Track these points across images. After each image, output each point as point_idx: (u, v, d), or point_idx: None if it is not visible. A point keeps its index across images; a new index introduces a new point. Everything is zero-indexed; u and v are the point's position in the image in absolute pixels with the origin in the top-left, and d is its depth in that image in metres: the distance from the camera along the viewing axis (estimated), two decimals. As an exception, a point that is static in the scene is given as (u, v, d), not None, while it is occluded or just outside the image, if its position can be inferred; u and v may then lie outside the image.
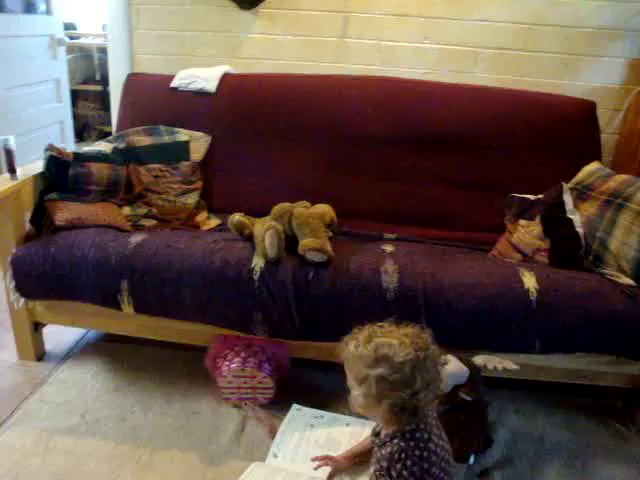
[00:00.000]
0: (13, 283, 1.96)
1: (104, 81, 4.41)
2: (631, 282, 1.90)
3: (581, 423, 1.98)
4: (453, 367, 1.67)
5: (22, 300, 2.01)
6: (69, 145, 3.59)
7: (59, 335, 2.28)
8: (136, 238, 1.97)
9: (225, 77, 2.55)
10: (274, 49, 2.69)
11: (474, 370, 1.71)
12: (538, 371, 1.90)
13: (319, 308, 1.84)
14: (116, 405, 1.96)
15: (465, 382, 1.68)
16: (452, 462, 1.46)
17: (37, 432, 1.83)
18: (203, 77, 2.50)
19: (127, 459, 1.74)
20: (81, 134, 4.40)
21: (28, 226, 2.05)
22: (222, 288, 1.86)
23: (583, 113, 2.39)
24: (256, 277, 1.85)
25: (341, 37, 2.64)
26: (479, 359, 1.76)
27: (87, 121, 4.37)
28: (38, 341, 2.18)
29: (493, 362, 1.76)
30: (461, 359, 1.71)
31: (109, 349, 2.24)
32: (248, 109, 2.49)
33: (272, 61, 2.70)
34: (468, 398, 1.66)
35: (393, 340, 1.36)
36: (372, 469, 1.46)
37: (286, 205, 2.04)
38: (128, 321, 2.02)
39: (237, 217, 2.02)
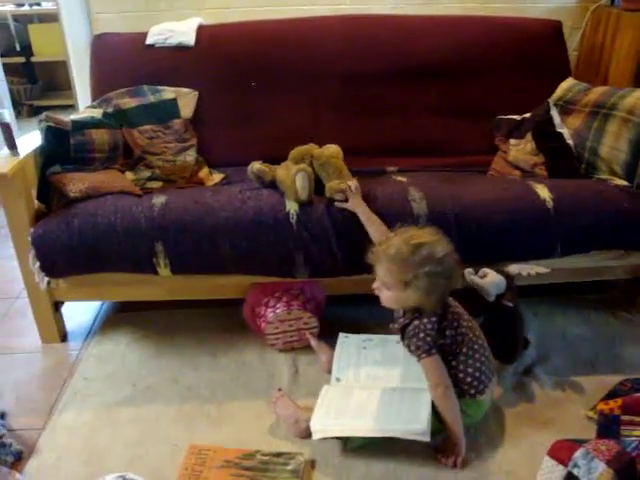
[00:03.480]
0: (38, 263, 1.87)
1: (25, 51, 4.12)
2: (625, 183, 2.09)
3: (593, 317, 2.18)
4: (493, 278, 1.79)
5: (46, 280, 1.93)
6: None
7: (73, 313, 2.21)
8: (159, 199, 1.93)
9: (200, 29, 2.48)
10: (240, -3, 2.63)
11: (509, 279, 1.85)
12: (557, 273, 2.06)
13: (358, 241, 1.86)
14: (163, 369, 1.95)
15: (504, 291, 1.82)
16: (487, 355, 1.65)
17: (94, 408, 1.79)
18: (179, 31, 2.42)
19: (196, 417, 1.75)
20: (8, 112, 4.08)
21: (37, 203, 1.95)
22: (260, 236, 1.87)
23: (551, 32, 2.55)
24: (293, 220, 1.87)
25: (308, -21, 2.63)
26: (513, 268, 1.89)
27: (14, 97, 4.07)
28: (60, 321, 2.10)
29: (526, 269, 1.91)
30: (497, 270, 1.84)
31: (132, 319, 2.20)
32: (231, 59, 2.45)
33: (241, 9, 2.64)
34: (510, 304, 1.79)
35: (428, 238, 1.53)
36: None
37: (303, 148, 2.05)
38: (158, 285, 2.00)
39: (257, 165, 2.01)
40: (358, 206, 1.86)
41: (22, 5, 4.08)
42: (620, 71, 2.54)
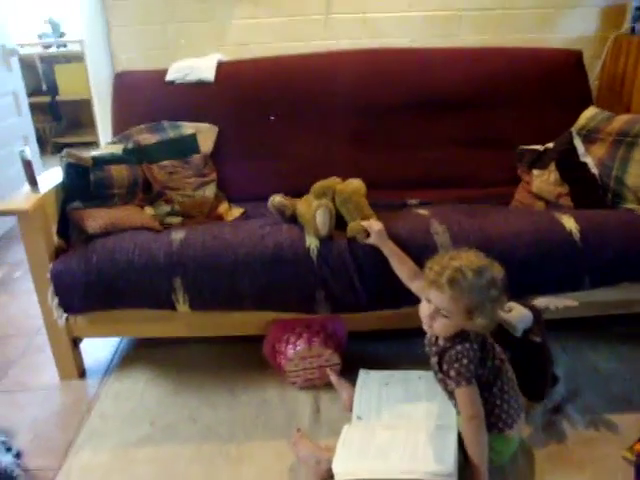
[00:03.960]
0: (56, 299, 1.87)
1: (51, 91, 4.22)
2: (654, 212, 2.04)
3: (624, 351, 2.09)
4: (519, 312, 1.73)
5: (64, 316, 1.92)
6: (36, 161, 3.39)
7: (91, 350, 2.19)
8: (177, 235, 1.92)
9: (220, 65, 2.51)
10: (260, 32, 2.66)
11: (537, 313, 1.80)
12: (586, 307, 1.99)
13: (381, 277, 1.85)
14: (182, 407, 1.91)
15: (532, 325, 1.76)
16: (516, 389, 1.60)
17: (111, 448, 1.76)
18: (199, 67, 2.45)
19: (215, 457, 1.71)
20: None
21: (56, 239, 1.95)
22: (280, 271, 1.85)
23: (572, 62, 2.52)
24: (314, 255, 1.84)
25: (326, 14, 2.65)
26: (540, 302, 1.84)
27: (40, 135, 4.15)
28: (78, 357, 2.09)
29: (554, 302, 1.85)
30: (523, 304, 1.78)
31: (151, 355, 2.17)
32: (250, 94, 2.47)
33: (259, 45, 2.67)
34: (538, 339, 1.73)
35: (484, 261, 1.49)
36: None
37: (325, 182, 2.03)
38: (177, 322, 1.98)
39: (277, 198, 2.00)
40: (383, 243, 1.81)
41: (49, 47, 4.20)
42: (644, 100, 2.50)
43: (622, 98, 2.60)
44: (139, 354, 2.20)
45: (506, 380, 1.57)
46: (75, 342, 2.05)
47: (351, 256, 1.85)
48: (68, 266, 1.86)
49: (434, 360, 1.59)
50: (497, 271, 1.48)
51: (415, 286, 1.73)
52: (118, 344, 2.26)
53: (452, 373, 1.49)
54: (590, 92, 2.54)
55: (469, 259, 1.48)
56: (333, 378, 1.92)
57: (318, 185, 2.03)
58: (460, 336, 1.51)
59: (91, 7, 2.57)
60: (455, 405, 1.57)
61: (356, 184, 2.05)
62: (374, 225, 1.84)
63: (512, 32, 2.69)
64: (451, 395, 1.57)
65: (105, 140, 2.66)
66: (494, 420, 1.54)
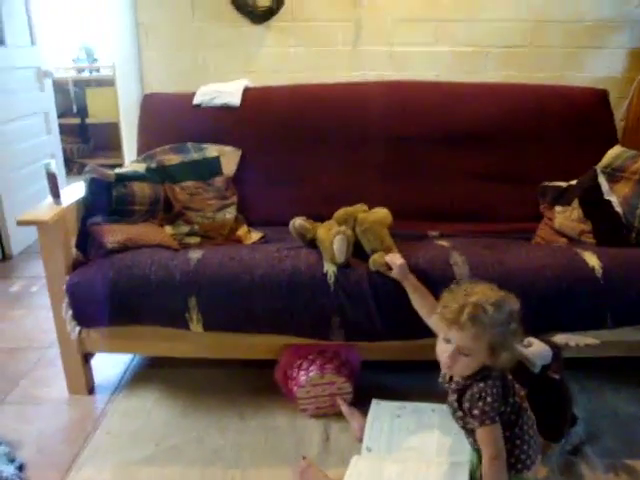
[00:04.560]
0: (70, 312, 1.87)
1: (81, 113, 4.32)
2: (679, 252, 1.99)
3: (647, 395, 2.04)
4: (538, 348, 1.69)
5: (77, 329, 1.91)
6: (60, 178, 3.45)
7: (102, 367, 2.18)
8: (195, 254, 1.92)
9: (247, 90, 2.54)
10: (288, 61, 2.71)
11: (556, 349, 1.75)
12: (608, 347, 1.94)
13: (398, 306, 1.82)
14: (189, 429, 1.88)
15: (551, 362, 1.71)
16: (535, 429, 1.54)
17: (114, 466, 1.73)
18: (226, 92, 2.49)
19: (220, 481, 1.67)
20: (63, 168, 4.24)
21: (74, 252, 1.96)
22: (296, 295, 1.83)
23: (598, 100, 2.51)
24: (331, 281, 1.82)
25: (353, 46, 2.70)
26: (560, 338, 1.79)
27: (67, 155, 4.23)
28: (89, 373, 2.07)
29: (574, 340, 1.80)
30: (542, 340, 1.74)
31: (161, 375, 2.15)
32: (275, 120, 2.50)
33: (287, 73, 2.72)
34: (557, 377, 1.68)
35: (500, 293, 1.46)
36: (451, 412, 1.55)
37: (349, 209, 2.02)
38: (190, 342, 1.96)
39: (299, 221, 1.99)
40: (404, 278, 1.78)
41: (82, 71, 4.32)
42: (670, 141, 2.48)
43: (648, 139, 2.59)
44: (149, 373, 2.18)
45: (526, 419, 1.52)
46: (86, 357, 2.04)
47: (369, 284, 1.83)
48: (85, 279, 1.86)
49: (452, 398, 1.54)
50: (513, 303, 1.45)
51: (433, 321, 1.67)
52: (129, 362, 2.25)
53: (475, 412, 1.43)
54: (615, 131, 2.53)
55: (485, 293, 1.44)
56: (344, 408, 1.88)
57: (341, 211, 2.01)
58: (481, 373, 1.46)
59: (124, 32, 2.64)
60: (472, 443, 1.52)
61: (381, 214, 2.03)
62: (396, 260, 1.81)
63: (538, 70, 2.70)
64: (470, 433, 1.52)
65: (130, 160, 2.69)
66: (513, 461, 1.48)
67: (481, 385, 1.44)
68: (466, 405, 1.47)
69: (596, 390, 2.05)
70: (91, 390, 2.08)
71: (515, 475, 1.48)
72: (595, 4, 2.62)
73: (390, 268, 1.82)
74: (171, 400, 2.02)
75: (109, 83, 4.13)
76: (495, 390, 1.43)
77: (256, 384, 2.07)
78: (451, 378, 1.54)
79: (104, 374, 2.16)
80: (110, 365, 2.21)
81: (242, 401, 2.00)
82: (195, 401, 2.01)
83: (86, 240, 1.98)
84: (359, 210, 2.03)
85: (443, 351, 1.47)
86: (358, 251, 1.91)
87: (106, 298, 1.83)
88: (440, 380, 1.59)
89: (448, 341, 1.45)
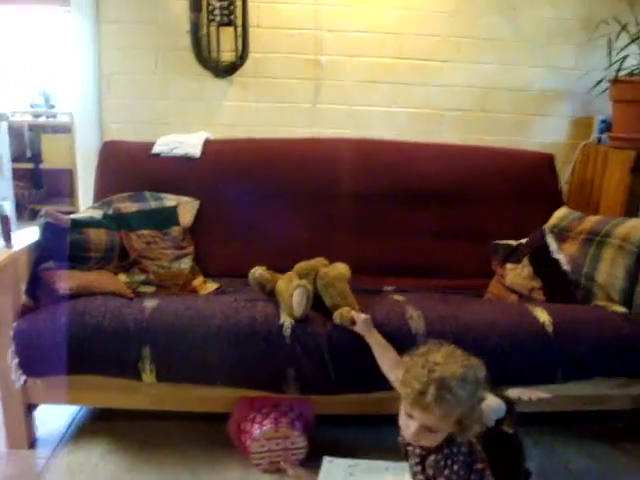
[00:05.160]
0: (16, 360, 1.79)
1: (35, 158, 4.25)
2: (623, 309, 2.07)
3: (597, 449, 2.06)
4: (492, 402, 1.70)
5: (23, 379, 1.83)
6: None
7: (45, 418, 2.07)
8: (150, 303, 1.88)
9: (207, 142, 2.58)
10: (249, 115, 2.76)
11: (509, 403, 1.77)
12: (559, 401, 1.97)
13: (353, 360, 1.82)
14: (137, 485, 1.81)
15: (504, 416, 1.73)
16: None
17: (56, 525, 1.64)
18: (187, 142, 2.51)
19: (168, 541, 1.60)
20: (12, 213, 4.14)
21: (24, 297, 1.90)
22: (252, 347, 1.81)
23: (545, 164, 2.66)
24: (287, 333, 1.81)
25: (313, 103, 2.76)
26: (513, 392, 1.82)
27: (18, 200, 4.13)
28: (31, 425, 1.97)
29: (527, 394, 1.83)
30: (496, 394, 1.76)
31: (109, 428, 2.06)
32: (234, 172, 2.52)
33: (247, 127, 2.76)
34: (510, 431, 1.70)
35: (462, 362, 1.39)
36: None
37: (310, 263, 2.03)
38: (141, 393, 1.89)
39: (259, 271, 1.99)
40: (368, 333, 1.78)
41: (39, 116, 4.29)
42: (610, 204, 2.61)
43: (591, 200, 2.71)
44: (96, 426, 2.09)
45: None
46: (30, 408, 1.95)
47: (325, 337, 1.83)
48: (34, 326, 1.80)
49: (414, 461, 1.49)
50: (479, 369, 1.39)
51: (394, 377, 1.63)
52: (75, 414, 2.15)
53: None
54: (561, 193, 2.67)
55: (448, 366, 1.36)
56: (290, 471, 1.83)
57: (303, 264, 2.03)
58: (445, 440, 1.40)
59: (86, 80, 2.64)
60: None
61: (340, 269, 2.05)
62: (361, 315, 1.82)
63: (490, 133, 2.83)
64: None
65: (86, 207, 2.65)
66: None
67: (446, 451, 1.40)
68: (429, 472, 1.42)
69: (548, 444, 2.08)
70: (32, 444, 1.97)
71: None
72: (540, 76, 2.80)
73: (354, 322, 1.83)
74: (119, 454, 1.94)
75: (65, 129, 4.12)
76: (462, 457, 1.39)
77: (209, 437, 2.01)
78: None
79: (48, 426, 2.06)
80: (54, 417, 2.11)
81: (194, 455, 1.94)
82: (145, 455, 1.94)
83: (37, 286, 1.92)
84: (320, 264, 2.04)
85: (407, 426, 1.41)
86: (316, 304, 1.91)
87: (56, 346, 1.76)
88: (400, 439, 1.56)
89: (411, 416, 1.38)
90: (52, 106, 4.32)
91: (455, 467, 1.38)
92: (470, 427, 1.37)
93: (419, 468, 1.47)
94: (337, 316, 1.86)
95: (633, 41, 2.50)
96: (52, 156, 4.25)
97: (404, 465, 1.71)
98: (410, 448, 1.52)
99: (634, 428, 2.14)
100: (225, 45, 2.68)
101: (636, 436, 2.12)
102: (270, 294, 1.97)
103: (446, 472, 1.38)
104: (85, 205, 2.72)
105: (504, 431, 1.69)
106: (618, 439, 2.12)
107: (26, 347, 1.80)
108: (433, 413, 1.32)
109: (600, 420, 2.18)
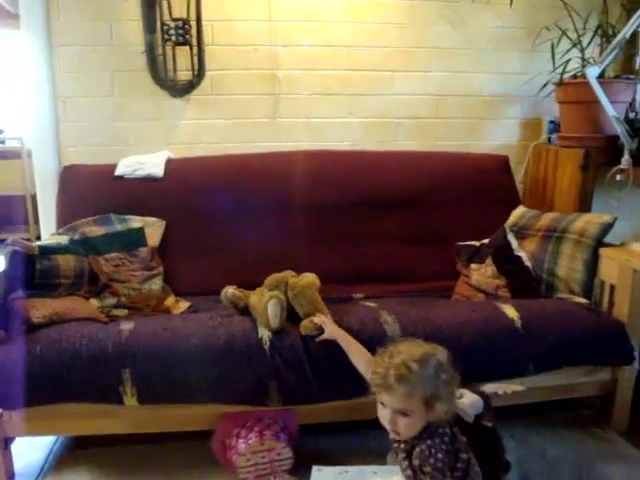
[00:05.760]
0: (-9, 394, 1.75)
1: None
2: (584, 300, 2.18)
3: (568, 435, 2.15)
4: (470, 398, 1.76)
5: (-1, 412, 1.79)
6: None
7: (21, 452, 2.01)
8: (126, 325, 1.88)
9: (169, 162, 2.58)
10: (208, 133, 2.76)
11: (486, 398, 1.84)
12: (532, 392, 2.03)
13: (333, 367, 1.86)
14: (124, 512, 1.79)
15: (482, 411, 1.79)
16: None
17: None
18: (149, 163, 2.50)
19: None
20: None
21: (-6, 330, 1.86)
22: (232, 362, 1.83)
23: (500, 166, 2.76)
24: (266, 346, 1.84)
25: (271, 118, 2.79)
26: (488, 388, 1.88)
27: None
28: (8, 460, 1.92)
29: (502, 388, 1.90)
30: (473, 390, 1.82)
31: (90, 457, 2.02)
32: (198, 190, 2.53)
33: (207, 144, 2.76)
34: (489, 425, 1.76)
35: (424, 348, 1.50)
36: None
37: (279, 275, 2.05)
38: (122, 417, 1.88)
39: (231, 290, 2.00)
40: (337, 336, 1.83)
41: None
42: (564, 201, 2.72)
43: (545, 198, 2.83)
44: (76, 456, 2.04)
45: (473, 475, 1.53)
46: (6, 442, 1.90)
47: (303, 346, 1.86)
48: (7, 357, 1.76)
49: (401, 456, 1.53)
50: (441, 353, 1.49)
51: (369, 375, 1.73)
52: (52, 444, 2.11)
53: (427, 469, 1.44)
54: (517, 193, 2.78)
55: (409, 352, 1.47)
56: None
57: (272, 278, 2.05)
58: (427, 431, 1.47)
59: (41, 104, 2.60)
60: None
61: (310, 278, 2.08)
62: (326, 320, 1.87)
63: (445, 139, 2.92)
64: None
65: (47, 235, 2.60)
66: None
67: (429, 442, 1.45)
68: (416, 463, 1.47)
69: (523, 435, 2.15)
70: (11, 478, 1.93)
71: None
72: (489, 81, 2.91)
73: (321, 331, 1.86)
74: (102, 481, 1.92)
75: (15, 155, 4.04)
76: (444, 446, 1.45)
77: (193, 457, 2.00)
78: (399, 441, 1.55)
79: (25, 459, 2.01)
80: (31, 449, 2.06)
81: (179, 475, 1.92)
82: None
83: (7, 316, 1.88)
84: (289, 275, 2.07)
85: (382, 416, 1.49)
86: (291, 315, 1.94)
87: (33, 376, 1.73)
88: (391, 438, 1.59)
89: (384, 405, 1.47)
90: (0, 131, 4.22)
91: (439, 455, 1.44)
92: (436, 409, 1.44)
93: (406, 463, 1.52)
94: (302, 328, 1.90)
95: (574, 45, 2.63)
96: (2, 183, 4.16)
97: (392, 468, 1.76)
98: (396, 445, 1.56)
99: (602, 413, 2.24)
100: (181, 64, 2.69)
101: (604, 421, 2.22)
102: (244, 312, 1.99)
103: (431, 461, 1.43)
104: (47, 231, 2.67)
105: (484, 426, 1.75)
106: (588, 425, 2.21)
107: (1, 379, 1.76)
108: (397, 393, 1.42)
109: (570, 408, 2.29)
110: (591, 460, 2.01)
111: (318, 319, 1.88)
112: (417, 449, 1.47)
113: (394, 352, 1.48)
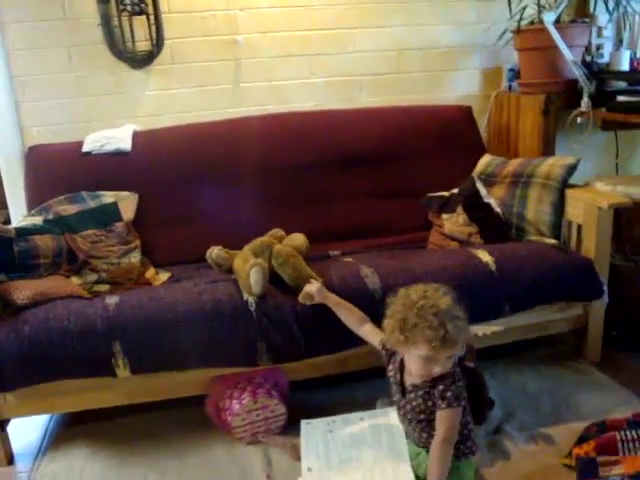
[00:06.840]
0: (-16, 377, 1.76)
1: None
2: (554, 241, 2.27)
3: (545, 370, 2.26)
4: (452, 342, 1.85)
5: (-8, 395, 1.80)
6: None
7: (18, 433, 2.05)
8: (112, 299, 1.89)
9: (135, 135, 2.56)
10: (172, 103, 2.73)
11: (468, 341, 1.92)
12: (509, 332, 2.13)
13: (319, 324, 1.91)
14: (127, 479, 1.83)
15: (465, 353, 1.87)
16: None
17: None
18: (116, 137, 2.48)
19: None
20: None
21: (-22, 315, 1.86)
22: (221, 326, 1.86)
23: (464, 116, 2.81)
24: (253, 308, 1.87)
25: (234, 83, 2.78)
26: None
27: None
28: (6, 442, 1.95)
29: (482, 329, 1.99)
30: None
31: (87, 431, 2.06)
32: (167, 161, 2.53)
33: (172, 115, 2.73)
34: (472, 365, 1.84)
35: (445, 296, 1.56)
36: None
37: (265, 240, 2.08)
38: (116, 389, 1.91)
39: (216, 251, 2.03)
40: (326, 299, 1.88)
41: None
42: (527, 146, 2.80)
43: (509, 145, 2.90)
44: (72, 431, 2.07)
45: (469, 410, 1.64)
46: (2, 425, 1.92)
47: (289, 305, 1.91)
48: (-3, 340, 1.77)
49: (417, 394, 1.59)
50: (448, 291, 1.58)
51: (363, 331, 1.82)
52: (47, 423, 2.13)
53: (449, 394, 1.53)
54: (482, 142, 2.84)
55: (440, 300, 1.52)
56: (272, 442, 1.93)
57: (256, 242, 2.06)
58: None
59: (-3, 86, 2.54)
60: (418, 439, 1.62)
61: (295, 242, 2.13)
62: (313, 287, 1.89)
63: (407, 93, 2.94)
64: (424, 426, 1.59)
65: (17, 217, 2.57)
66: (470, 444, 1.60)
67: (452, 371, 1.56)
68: (440, 387, 1.54)
69: (503, 374, 2.25)
70: (10, 460, 1.95)
71: (465, 460, 1.59)
72: (446, 32, 2.94)
73: (312, 297, 1.90)
74: (104, 453, 1.95)
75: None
76: (456, 377, 1.57)
77: (189, 422, 2.05)
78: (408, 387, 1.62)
79: (23, 440, 2.04)
80: (27, 429, 2.09)
81: (178, 441, 1.98)
82: (129, 450, 1.96)
83: (-11, 300, 1.88)
84: (273, 237, 2.10)
85: (417, 369, 1.54)
86: (275, 279, 1.97)
87: (23, 356, 1.74)
88: (392, 381, 1.69)
89: (429, 359, 1.50)
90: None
91: (460, 383, 1.57)
92: (461, 347, 1.55)
93: (421, 399, 1.57)
94: (300, 299, 1.92)
95: (530, -9, 2.67)
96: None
97: (377, 412, 1.86)
98: (413, 389, 1.61)
99: (576, 347, 2.36)
100: (139, 35, 2.64)
101: (578, 354, 2.33)
102: (230, 271, 2.02)
103: (453, 387, 1.54)
104: (16, 215, 2.63)
105: (467, 366, 1.83)
106: (564, 359, 2.33)
107: (-8, 363, 1.77)
108: (458, 343, 1.51)
109: (546, 345, 2.39)
110: (569, 390, 2.13)
111: (307, 288, 1.90)
112: (442, 383, 1.55)
113: (428, 306, 1.50)
